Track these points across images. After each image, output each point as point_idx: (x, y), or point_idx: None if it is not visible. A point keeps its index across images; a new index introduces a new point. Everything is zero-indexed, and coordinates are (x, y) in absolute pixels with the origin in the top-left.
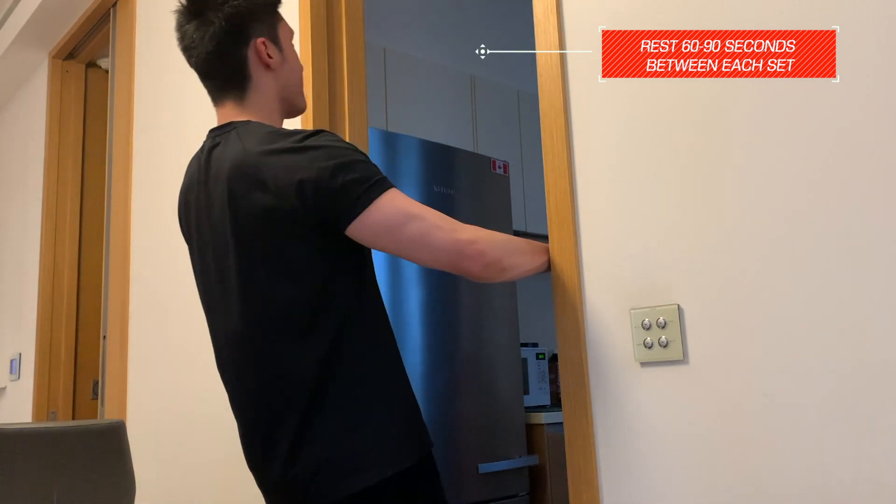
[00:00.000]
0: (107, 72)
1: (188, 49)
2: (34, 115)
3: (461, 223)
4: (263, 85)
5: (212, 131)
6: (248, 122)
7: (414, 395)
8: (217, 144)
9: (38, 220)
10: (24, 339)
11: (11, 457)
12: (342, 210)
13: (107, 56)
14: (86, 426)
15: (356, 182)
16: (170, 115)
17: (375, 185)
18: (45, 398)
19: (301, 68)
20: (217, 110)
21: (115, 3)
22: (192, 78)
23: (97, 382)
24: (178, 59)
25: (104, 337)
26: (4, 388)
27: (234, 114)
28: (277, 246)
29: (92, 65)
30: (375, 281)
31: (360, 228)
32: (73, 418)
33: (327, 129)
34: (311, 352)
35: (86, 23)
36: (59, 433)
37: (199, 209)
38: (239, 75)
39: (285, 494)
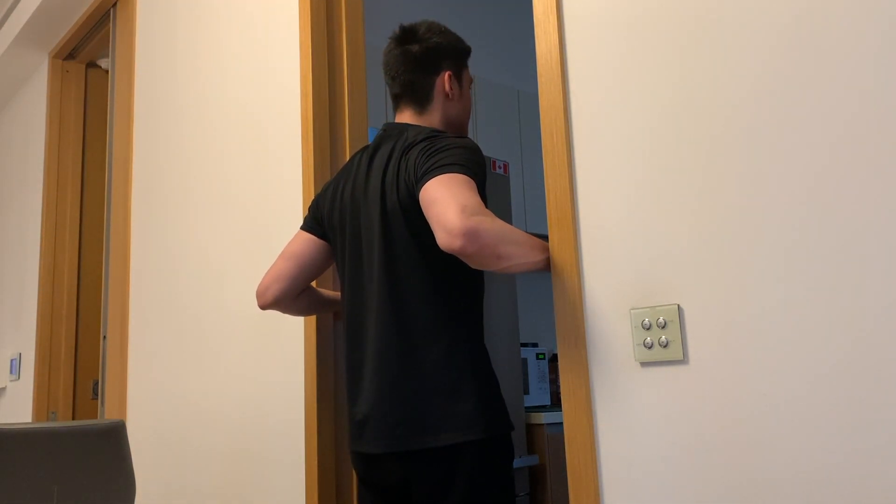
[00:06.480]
0: (107, 72)
1: (390, 69)
2: (34, 115)
3: (485, 212)
4: (439, 108)
5: (386, 125)
6: (420, 126)
7: None
8: (388, 137)
9: (38, 220)
10: (24, 339)
11: (11, 457)
12: (420, 174)
13: (107, 56)
14: (86, 426)
15: (442, 160)
16: (169, 114)
17: (454, 166)
18: (45, 398)
19: (470, 111)
20: (396, 113)
21: (115, 4)
22: (192, 78)
23: (97, 382)
24: (177, 59)
25: (104, 337)
26: (4, 388)
27: (411, 119)
28: (412, 228)
29: (92, 65)
30: None
31: (421, 195)
32: (73, 418)
33: (469, 139)
34: (438, 310)
35: (86, 23)
36: (59, 433)
37: (355, 195)
38: (424, 94)
39: (383, 431)
